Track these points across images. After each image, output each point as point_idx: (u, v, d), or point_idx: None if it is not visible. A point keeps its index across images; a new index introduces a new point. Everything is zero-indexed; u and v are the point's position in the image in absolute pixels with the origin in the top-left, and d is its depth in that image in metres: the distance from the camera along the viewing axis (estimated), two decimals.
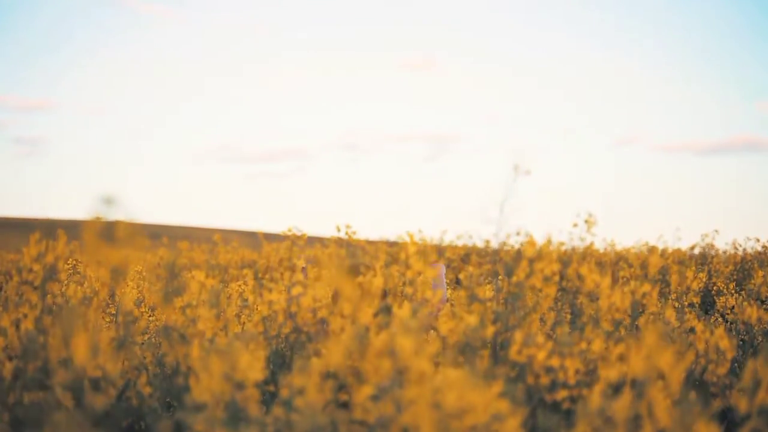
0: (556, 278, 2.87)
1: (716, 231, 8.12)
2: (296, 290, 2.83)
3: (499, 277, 5.54)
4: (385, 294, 3.76)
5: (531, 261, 2.59)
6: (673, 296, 3.49)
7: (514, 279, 2.75)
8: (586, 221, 2.79)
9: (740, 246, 7.74)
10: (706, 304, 7.44)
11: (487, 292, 3.23)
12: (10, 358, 2.47)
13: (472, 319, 2.51)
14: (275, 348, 3.05)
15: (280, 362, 3.02)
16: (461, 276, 9.33)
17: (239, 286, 5.80)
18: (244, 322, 3.60)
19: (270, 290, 2.80)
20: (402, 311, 2.35)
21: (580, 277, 2.61)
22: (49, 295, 2.51)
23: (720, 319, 4.39)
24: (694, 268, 2.84)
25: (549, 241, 2.63)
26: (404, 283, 2.86)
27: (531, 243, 2.61)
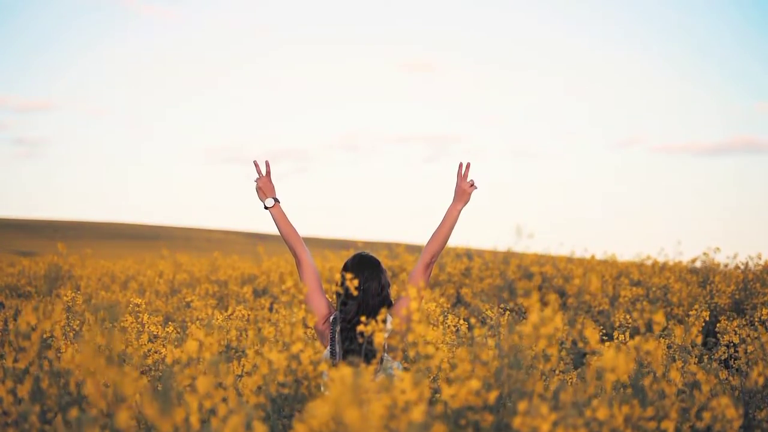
0: (560, 334, 2.84)
1: (717, 249, 8.09)
2: (297, 347, 2.79)
3: (504, 311, 5.46)
4: (385, 348, 3.67)
5: (536, 326, 2.55)
6: (677, 337, 3.45)
7: (516, 338, 2.71)
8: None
9: (742, 265, 7.67)
10: (709, 324, 7.40)
11: (490, 343, 3.19)
12: (6, 425, 2.44)
13: (475, 384, 2.48)
14: (274, 400, 3.02)
15: (279, 415, 2.99)
16: (462, 292, 9.22)
17: (241, 313, 5.75)
18: (243, 368, 3.57)
19: (270, 348, 2.77)
20: (404, 380, 2.32)
21: (584, 339, 2.58)
22: (45, 361, 2.48)
23: (724, 351, 4.35)
24: (696, 329, 2.80)
25: (555, 309, 2.59)
26: (406, 343, 2.81)
27: (535, 306, 2.58)
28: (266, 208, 4.30)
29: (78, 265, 10.20)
